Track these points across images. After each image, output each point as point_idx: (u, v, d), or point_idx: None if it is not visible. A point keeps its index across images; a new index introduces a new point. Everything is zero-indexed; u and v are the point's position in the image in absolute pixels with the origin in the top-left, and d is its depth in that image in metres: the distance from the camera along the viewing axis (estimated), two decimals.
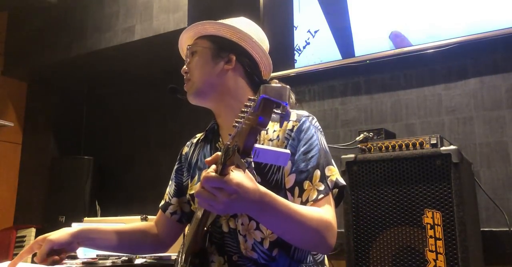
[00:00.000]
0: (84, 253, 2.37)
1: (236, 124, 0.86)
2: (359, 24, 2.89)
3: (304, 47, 3.01)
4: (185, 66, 1.40)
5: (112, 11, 3.52)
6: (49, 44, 3.80)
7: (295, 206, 1.08)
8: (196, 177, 1.40)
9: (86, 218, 3.19)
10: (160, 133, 3.93)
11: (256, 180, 1.13)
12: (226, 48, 1.35)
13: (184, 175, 1.49)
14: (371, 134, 2.29)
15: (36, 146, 4.20)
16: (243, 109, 0.83)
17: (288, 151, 0.88)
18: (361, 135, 2.29)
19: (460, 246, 1.85)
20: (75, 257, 2.32)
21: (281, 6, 3.14)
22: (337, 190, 1.21)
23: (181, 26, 3.13)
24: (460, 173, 1.93)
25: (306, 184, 1.18)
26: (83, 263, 2.17)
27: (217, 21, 1.39)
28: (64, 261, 1.65)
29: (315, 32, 3.01)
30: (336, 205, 1.22)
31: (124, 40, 3.40)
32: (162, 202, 1.54)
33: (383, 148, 2.17)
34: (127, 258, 2.23)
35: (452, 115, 2.63)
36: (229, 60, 1.35)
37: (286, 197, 1.19)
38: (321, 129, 1.29)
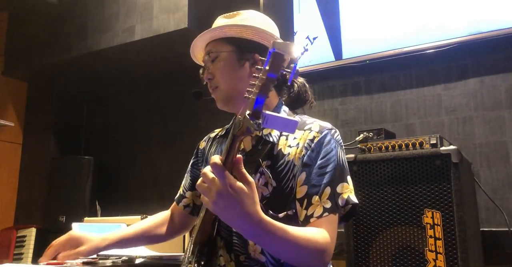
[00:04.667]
0: None
1: (248, 95, 0.88)
2: (358, 25, 2.89)
3: (302, 54, 3.02)
4: (205, 73, 1.35)
5: (112, 11, 3.51)
6: (49, 44, 3.80)
7: (293, 232, 1.06)
8: None
9: (86, 218, 3.19)
10: (160, 133, 3.93)
11: (272, 184, 1.12)
12: (250, 50, 1.31)
13: (200, 168, 1.51)
14: (371, 133, 2.30)
15: (36, 146, 4.20)
16: (252, 82, 0.86)
17: (297, 119, 0.89)
18: (361, 135, 2.30)
19: (460, 246, 1.85)
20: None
21: (281, 7, 3.15)
22: (350, 206, 1.21)
23: (181, 26, 3.13)
24: (460, 173, 1.93)
25: (315, 199, 1.18)
26: (83, 263, 2.17)
27: (231, 21, 1.34)
28: (64, 261, 1.65)
29: (314, 39, 3.01)
30: (346, 221, 1.24)
31: (124, 41, 3.39)
32: (177, 194, 1.59)
33: (383, 148, 2.17)
34: (127, 258, 2.23)
35: (452, 115, 2.63)
36: (255, 62, 1.31)
37: (295, 205, 1.20)
38: (342, 144, 1.29)
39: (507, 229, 2.32)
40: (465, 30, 2.55)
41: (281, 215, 1.19)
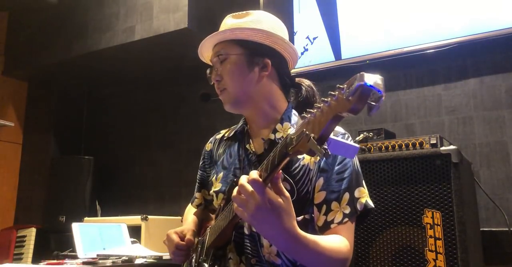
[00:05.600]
0: (85, 253, 2.37)
1: (306, 115, 0.84)
2: (358, 25, 2.89)
3: (302, 53, 3.02)
4: (213, 74, 1.33)
5: (112, 11, 3.52)
6: (49, 44, 3.80)
7: (323, 243, 1.07)
8: (221, 174, 1.39)
9: (86, 218, 3.20)
10: (160, 133, 3.94)
11: (286, 188, 1.14)
12: (260, 53, 1.30)
13: (207, 170, 1.50)
14: (371, 133, 2.30)
15: (36, 146, 4.20)
16: (317, 105, 0.82)
17: (357, 145, 0.87)
18: (361, 135, 2.29)
19: (460, 246, 1.85)
20: (75, 257, 2.32)
21: (281, 7, 3.15)
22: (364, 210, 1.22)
23: (181, 26, 3.13)
24: (460, 172, 1.93)
25: (334, 205, 1.19)
26: (83, 263, 2.17)
27: (242, 22, 1.31)
28: (64, 261, 1.65)
29: (314, 39, 3.01)
30: (359, 224, 1.24)
31: (124, 40, 3.40)
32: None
33: (383, 148, 2.17)
34: (127, 258, 2.23)
35: (452, 115, 2.63)
36: (264, 66, 1.30)
37: (312, 210, 1.21)
38: None
39: (507, 229, 2.32)
40: (465, 30, 2.55)
41: (299, 218, 1.18)
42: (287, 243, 1.00)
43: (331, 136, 0.82)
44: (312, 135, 0.81)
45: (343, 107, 0.76)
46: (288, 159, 0.91)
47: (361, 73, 0.75)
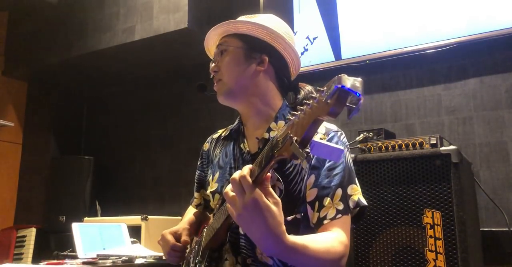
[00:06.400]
0: (85, 253, 2.37)
1: (291, 117, 0.84)
2: (358, 25, 2.89)
3: (302, 54, 3.02)
4: (213, 65, 1.37)
5: (112, 11, 3.51)
6: (49, 44, 3.80)
7: (313, 246, 1.03)
8: (217, 174, 1.39)
9: (86, 218, 3.20)
10: (160, 133, 3.94)
11: (279, 187, 1.12)
12: (259, 49, 1.32)
13: (205, 170, 1.50)
14: (371, 134, 2.30)
15: (36, 146, 4.20)
16: (300, 107, 0.81)
17: (342, 147, 0.85)
18: (361, 135, 2.30)
19: (460, 246, 1.85)
20: (75, 257, 2.32)
21: (281, 7, 3.15)
22: (358, 209, 1.21)
23: (181, 26, 3.13)
24: (460, 173, 1.93)
25: (327, 201, 1.17)
26: (83, 263, 2.17)
27: (248, 19, 1.35)
28: (64, 261, 1.65)
29: (314, 39, 3.01)
30: (356, 223, 1.23)
31: (124, 40, 3.39)
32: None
33: (383, 148, 2.17)
34: (127, 258, 2.23)
35: (452, 115, 2.63)
36: (261, 62, 1.32)
37: (306, 209, 1.20)
38: (348, 146, 1.29)
39: (507, 229, 2.32)
40: (465, 30, 2.55)
41: (289, 218, 1.18)
42: (274, 247, 0.96)
43: (315, 138, 0.82)
44: (295, 137, 0.80)
45: (323, 111, 0.76)
46: (273, 161, 0.89)
47: (340, 75, 0.74)
